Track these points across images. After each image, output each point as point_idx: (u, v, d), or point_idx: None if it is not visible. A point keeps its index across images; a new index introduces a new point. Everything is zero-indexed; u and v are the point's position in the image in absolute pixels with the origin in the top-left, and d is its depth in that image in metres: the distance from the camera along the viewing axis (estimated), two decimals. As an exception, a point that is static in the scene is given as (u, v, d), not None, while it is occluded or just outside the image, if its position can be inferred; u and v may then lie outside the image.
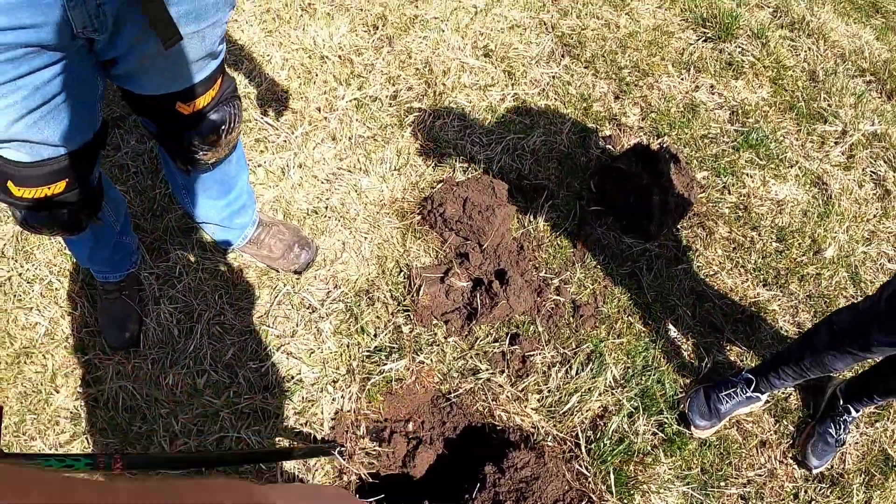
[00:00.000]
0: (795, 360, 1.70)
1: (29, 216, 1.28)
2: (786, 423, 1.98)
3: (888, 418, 2.04)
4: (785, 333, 2.12)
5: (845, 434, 1.92)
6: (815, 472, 1.91)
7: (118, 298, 1.80)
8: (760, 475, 1.92)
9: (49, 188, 1.22)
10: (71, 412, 1.72)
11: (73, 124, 1.17)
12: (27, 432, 1.67)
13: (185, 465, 1.34)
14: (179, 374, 1.74)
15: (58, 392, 1.75)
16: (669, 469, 1.80)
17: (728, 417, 1.88)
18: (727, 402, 1.84)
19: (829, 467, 1.93)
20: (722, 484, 1.85)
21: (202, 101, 1.29)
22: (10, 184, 1.21)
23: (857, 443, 2.03)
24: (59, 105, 1.10)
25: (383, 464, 1.70)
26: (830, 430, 1.90)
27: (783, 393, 2.00)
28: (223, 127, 1.36)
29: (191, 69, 1.22)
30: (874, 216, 2.46)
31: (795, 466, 1.95)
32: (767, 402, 1.96)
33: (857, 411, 1.90)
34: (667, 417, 1.87)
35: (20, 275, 1.88)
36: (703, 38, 2.89)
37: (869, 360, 1.74)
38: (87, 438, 1.70)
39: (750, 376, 1.85)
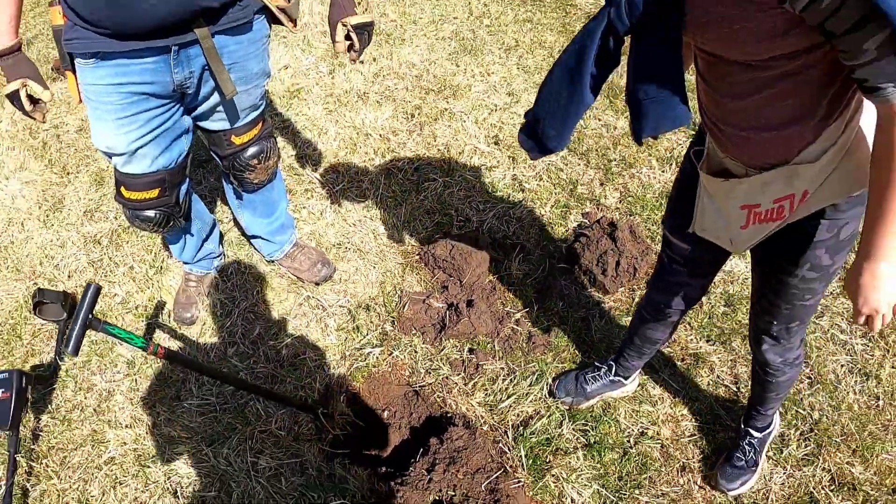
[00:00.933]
0: (630, 340, 2.21)
1: (133, 214, 2.08)
2: (709, 453, 2.38)
3: (818, 465, 2.37)
4: (722, 382, 2.56)
5: (754, 456, 2.22)
6: (730, 494, 2.22)
7: (194, 287, 2.55)
8: (676, 492, 2.34)
9: (148, 193, 2.01)
10: (127, 360, 2.48)
11: (168, 149, 1.96)
12: (91, 369, 2.46)
13: (208, 374, 2.01)
14: (216, 341, 2.45)
15: (120, 345, 2.50)
16: (587, 467, 2.28)
17: (596, 397, 2.35)
18: (592, 382, 2.32)
19: (749, 502, 2.27)
20: (636, 492, 2.29)
21: (247, 136, 2.12)
22: (123, 188, 2.03)
23: (783, 484, 2.39)
24: (160, 134, 1.91)
25: (357, 444, 2.29)
26: (737, 454, 2.24)
27: (716, 428, 2.41)
28: (262, 155, 2.17)
29: (241, 114, 2.07)
30: (829, 293, 2.89)
31: (716, 493, 2.34)
32: (636, 390, 2.42)
33: (759, 431, 2.22)
34: (591, 427, 2.36)
35: (110, 258, 2.79)
36: (691, 139, 3.49)
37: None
38: (135, 379, 2.43)
39: (611, 362, 2.34)
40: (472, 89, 3.66)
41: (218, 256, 2.66)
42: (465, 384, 2.38)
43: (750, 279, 2.58)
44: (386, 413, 2.37)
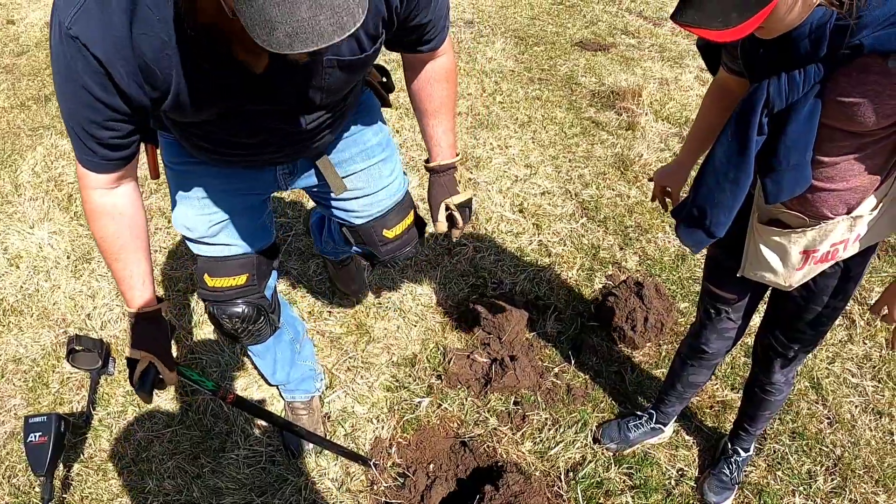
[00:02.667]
0: (671, 386, 2.49)
1: (220, 311, 1.89)
2: (748, 493, 2.69)
3: (845, 496, 2.55)
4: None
5: (738, 474, 2.52)
6: None
7: (306, 416, 2.56)
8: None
9: (235, 279, 1.87)
10: (167, 412, 2.70)
11: (250, 232, 1.91)
12: (127, 419, 2.69)
13: (273, 421, 2.24)
14: (261, 397, 2.72)
15: (158, 396, 2.75)
16: (633, 509, 2.56)
17: (638, 444, 2.64)
18: (634, 431, 2.61)
19: None
20: (682, 532, 2.57)
21: (399, 228, 2.07)
22: (206, 276, 1.87)
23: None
24: (238, 216, 1.86)
25: (405, 495, 2.53)
26: (724, 470, 2.53)
27: (747, 468, 2.71)
28: (408, 251, 2.16)
29: (380, 197, 2.04)
30: (839, 341, 3.24)
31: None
32: (672, 436, 2.69)
33: (745, 451, 2.52)
34: (636, 470, 2.65)
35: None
36: (700, 207, 3.92)
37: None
38: (175, 430, 2.63)
39: (652, 411, 2.64)
40: (492, 161, 4.09)
41: (318, 375, 2.63)
42: (514, 434, 2.67)
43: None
44: (432, 465, 2.63)
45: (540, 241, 3.56)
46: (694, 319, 2.35)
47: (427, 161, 1.96)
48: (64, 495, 2.48)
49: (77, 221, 3.67)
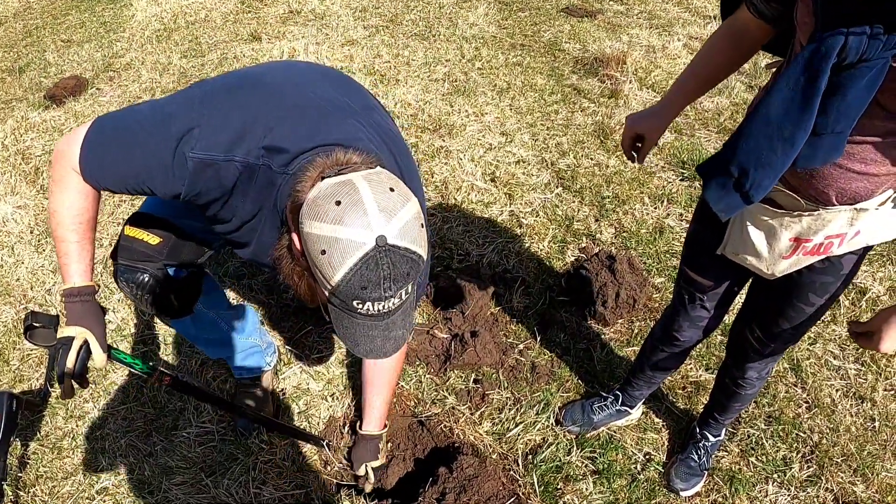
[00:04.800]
0: (640, 370, 2.28)
1: (121, 273, 1.76)
2: (715, 477, 2.48)
3: (821, 486, 2.36)
4: (719, 411, 2.66)
5: (707, 460, 2.34)
6: (682, 494, 2.30)
7: (253, 394, 2.40)
8: (685, 519, 2.42)
9: (148, 236, 1.77)
10: (121, 388, 2.52)
11: (196, 230, 1.84)
12: (84, 396, 2.50)
13: (214, 402, 2.03)
14: (217, 371, 2.50)
15: (115, 372, 2.53)
16: (598, 494, 2.34)
17: (603, 426, 2.43)
18: (599, 412, 2.40)
19: None
20: (646, 519, 2.36)
21: None
22: (127, 225, 1.79)
23: (784, 514, 2.49)
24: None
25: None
26: (692, 455, 2.34)
27: (721, 453, 2.50)
28: None
29: None
30: (821, 322, 3.02)
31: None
32: (640, 418, 2.50)
33: (715, 437, 2.34)
34: (598, 454, 2.43)
35: (106, 285, 2.80)
36: (681, 178, 3.66)
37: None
38: (130, 407, 2.44)
39: (618, 392, 2.42)
40: (466, 129, 3.82)
41: (266, 350, 2.45)
42: (472, 414, 2.45)
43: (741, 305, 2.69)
44: (389, 445, 2.42)
45: (511, 211, 3.31)
46: (670, 300, 2.13)
47: (359, 426, 2.23)
48: (20, 474, 2.33)
49: (43, 195, 3.43)
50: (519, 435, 2.40)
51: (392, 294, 1.21)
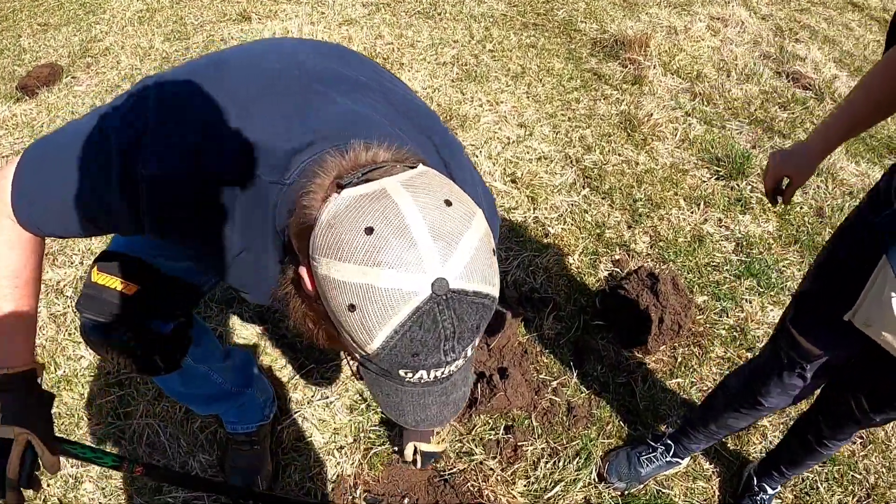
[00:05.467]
0: (703, 425, 1.92)
1: (92, 331, 1.35)
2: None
3: None
4: (772, 444, 2.31)
5: None
6: None
7: (249, 450, 1.98)
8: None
9: (122, 284, 1.34)
10: (97, 438, 2.09)
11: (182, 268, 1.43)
12: None
13: (195, 486, 1.64)
14: (206, 422, 2.09)
15: (89, 419, 2.12)
16: (646, 564, 2.00)
17: (650, 479, 2.08)
18: (647, 465, 2.05)
19: None
20: (700, 585, 2.02)
21: None
22: (95, 268, 1.36)
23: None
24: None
25: None
26: None
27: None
28: None
29: None
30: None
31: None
32: (688, 464, 2.16)
33: (773, 489, 2.04)
34: (646, 515, 2.08)
35: (74, 312, 2.36)
36: (716, 176, 3.27)
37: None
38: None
39: (670, 442, 2.07)
40: (480, 120, 3.39)
41: (268, 401, 2.04)
42: (504, 470, 2.08)
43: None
44: (406, 500, 2.05)
45: (536, 217, 2.90)
46: (755, 354, 1.76)
47: None
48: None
49: None
50: (559, 497, 2.03)
51: (455, 357, 0.81)
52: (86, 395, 2.15)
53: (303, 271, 0.86)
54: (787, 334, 1.57)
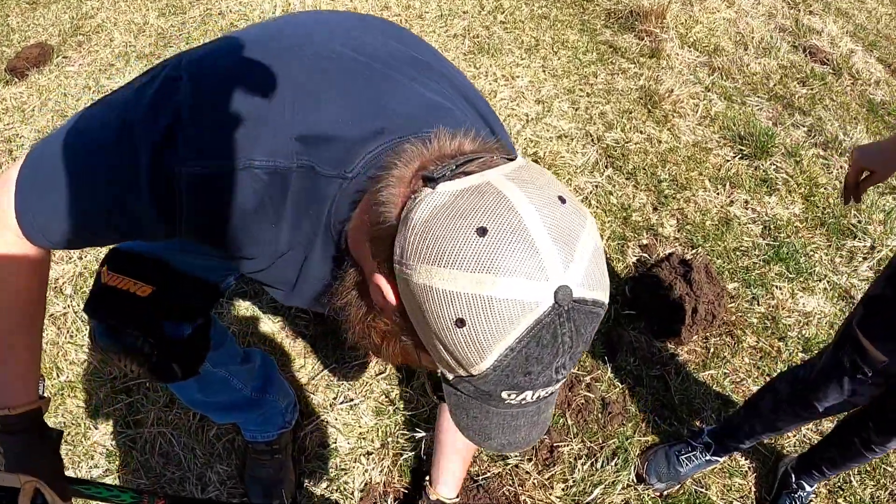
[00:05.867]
0: (748, 426, 1.84)
1: (102, 335, 1.22)
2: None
3: None
4: (808, 441, 2.22)
5: None
6: None
7: (270, 460, 1.83)
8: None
9: (136, 285, 1.21)
10: (107, 449, 1.95)
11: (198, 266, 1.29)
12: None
13: None
14: (222, 429, 1.96)
15: (96, 428, 1.98)
16: (688, 569, 1.91)
17: (688, 478, 2.01)
18: (687, 464, 1.97)
19: None
20: (741, 587, 1.94)
21: None
22: (106, 266, 1.22)
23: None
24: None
25: None
26: None
27: None
28: None
29: None
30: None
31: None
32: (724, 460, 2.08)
33: (811, 486, 1.97)
34: (687, 517, 1.99)
35: (76, 312, 2.18)
36: (740, 156, 3.13)
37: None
38: (119, 476, 1.91)
39: (709, 440, 1.98)
40: (497, 95, 3.21)
41: (289, 407, 1.87)
42: (540, 473, 1.97)
43: (828, 321, 2.18)
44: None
45: (559, 201, 2.75)
46: (811, 356, 1.65)
47: (430, 486, 1.58)
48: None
49: None
50: (598, 499, 1.93)
51: (565, 374, 0.70)
52: (92, 403, 2.00)
53: (379, 280, 0.73)
54: (851, 337, 1.48)
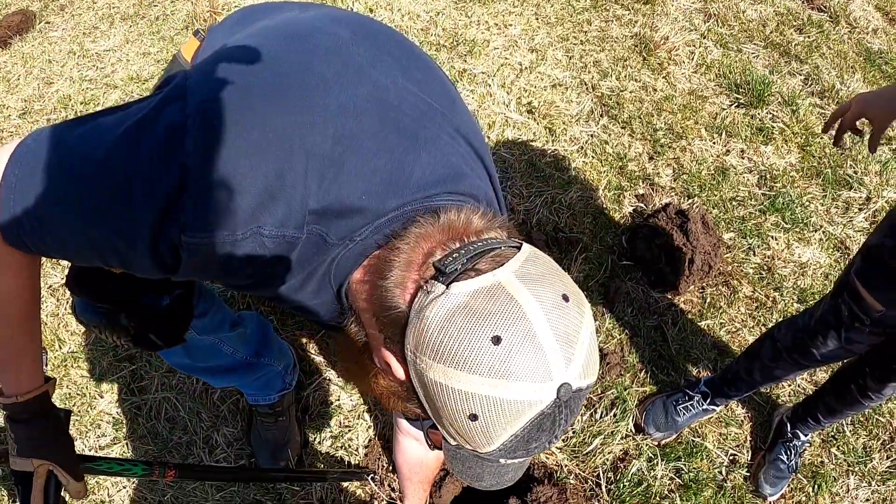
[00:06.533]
0: (746, 374, 1.83)
1: (83, 310, 1.18)
2: (801, 476, 2.07)
3: None
4: (803, 390, 2.21)
5: (797, 459, 1.99)
6: (770, 500, 1.98)
7: (273, 423, 1.81)
8: (775, 526, 2.01)
9: None
10: (113, 417, 1.90)
11: None
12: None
13: (229, 477, 1.49)
14: (226, 392, 1.91)
15: (102, 397, 1.93)
16: (685, 514, 1.91)
17: (685, 427, 2.00)
18: (684, 414, 1.97)
19: None
20: (736, 532, 1.95)
21: None
22: None
23: (867, 500, 2.09)
24: None
25: None
26: (781, 457, 1.98)
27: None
28: None
29: None
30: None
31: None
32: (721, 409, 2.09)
33: (806, 435, 1.98)
34: (684, 465, 1.98)
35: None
36: (736, 104, 3.05)
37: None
38: (127, 444, 1.87)
39: (706, 389, 1.98)
40: (490, 45, 3.09)
41: (287, 369, 1.81)
42: (541, 424, 1.95)
43: (823, 271, 2.22)
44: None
45: (555, 150, 2.68)
46: (808, 306, 1.61)
47: None
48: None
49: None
50: (598, 450, 1.91)
51: (558, 441, 0.80)
52: (96, 373, 1.94)
53: (388, 356, 0.78)
54: (850, 286, 1.46)
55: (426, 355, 0.70)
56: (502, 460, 0.76)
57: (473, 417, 0.69)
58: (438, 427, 0.78)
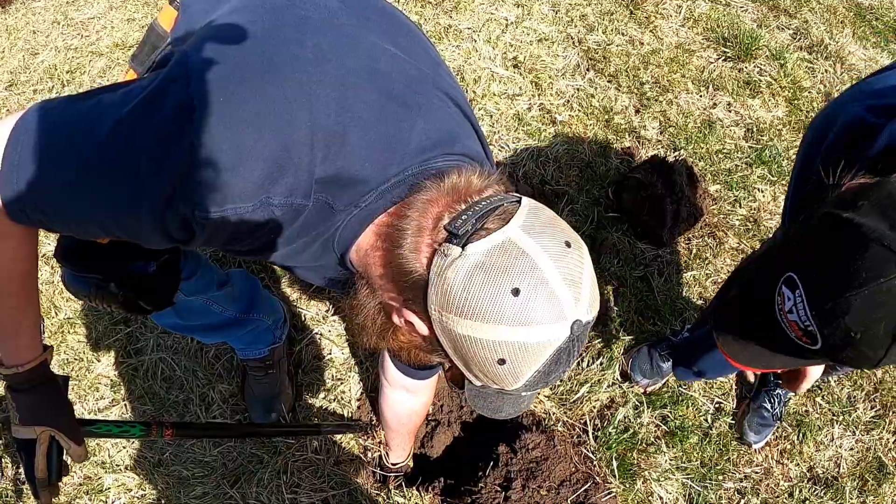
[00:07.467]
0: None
1: (72, 278, 1.19)
2: (786, 425, 2.06)
3: (884, 427, 2.11)
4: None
5: (781, 408, 1.99)
6: (755, 447, 1.99)
7: (264, 376, 1.79)
8: (757, 472, 2.00)
9: None
10: (111, 380, 1.87)
11: None
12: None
13: (226, 434, 1.48)
14: (221, 350, 1.87)
15: (99, 361, 1.90)
16: (670, 459, 1.89)
17: (670, 375, 2.00)
18: (669, 360, 1.95)
19: (824, 470, 2.01)
20: (720, 477, 1.94)
21: None
22: None
23: (852, 449, 2.10)
24: None
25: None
26: (765, 405, 1.97)
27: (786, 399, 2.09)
28: None
29: None
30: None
31: (792, 466, 2.04)
32: None
33: None
34: (670, 412, 1.96)
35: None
36: (724, 58, 2.98)
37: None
38: (125, 405, 1.85)
39: (686, 335, 1.96)
40: (475, 0, 3.00)
41: (276, 323, 1.79)
42: (528, 373, 1.92)
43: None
44: (431, 407, 1.90)
45: (541, 104, 2.61)
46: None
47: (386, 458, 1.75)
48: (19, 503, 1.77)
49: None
50: (585, 397, 1.89)
51: (570, 369, 0.97)
52: (92, 337, 1.90)
53: (410, 315, 0.84)
54: None
55: (452, 312, 0.77)
56: (524, 393, 0.84)
57: (502, 362, 0.77)
58: (465, 372, 0.84)
